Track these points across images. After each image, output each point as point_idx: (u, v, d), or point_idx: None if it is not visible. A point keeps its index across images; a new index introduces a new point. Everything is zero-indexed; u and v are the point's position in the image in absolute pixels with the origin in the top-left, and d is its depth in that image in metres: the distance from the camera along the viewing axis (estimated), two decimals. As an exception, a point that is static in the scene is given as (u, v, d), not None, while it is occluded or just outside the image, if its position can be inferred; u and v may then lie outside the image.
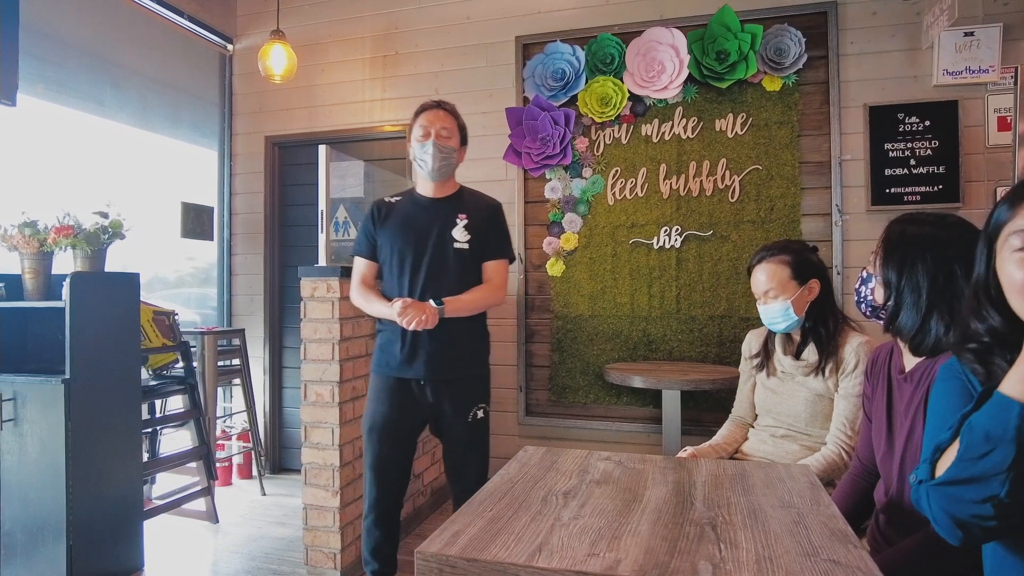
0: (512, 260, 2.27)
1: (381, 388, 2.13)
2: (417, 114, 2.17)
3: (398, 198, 2.24)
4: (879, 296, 1.35)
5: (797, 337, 1.91)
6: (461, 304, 2.06)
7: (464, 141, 2.22)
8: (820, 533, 1.02)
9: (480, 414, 2.15)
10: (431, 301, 2.01)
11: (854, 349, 1.79)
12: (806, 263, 1.86)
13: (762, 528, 1.04)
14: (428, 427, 2.20)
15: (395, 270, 2.12)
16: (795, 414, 1.88)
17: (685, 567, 0.89)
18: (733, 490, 1.24)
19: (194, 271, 4.08)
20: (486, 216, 2.18)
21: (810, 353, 1.86)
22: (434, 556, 0.95)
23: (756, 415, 2.06)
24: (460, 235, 2.11)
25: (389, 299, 2.09)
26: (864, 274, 1.46)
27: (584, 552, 0.94)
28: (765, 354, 2.00)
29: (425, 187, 2.19)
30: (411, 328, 1.96)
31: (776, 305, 1.84)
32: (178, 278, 3.98)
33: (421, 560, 0.95)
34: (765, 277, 1.86)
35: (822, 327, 1.85)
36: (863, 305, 1.46)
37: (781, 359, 1.95)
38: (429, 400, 2.11)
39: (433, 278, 2.08)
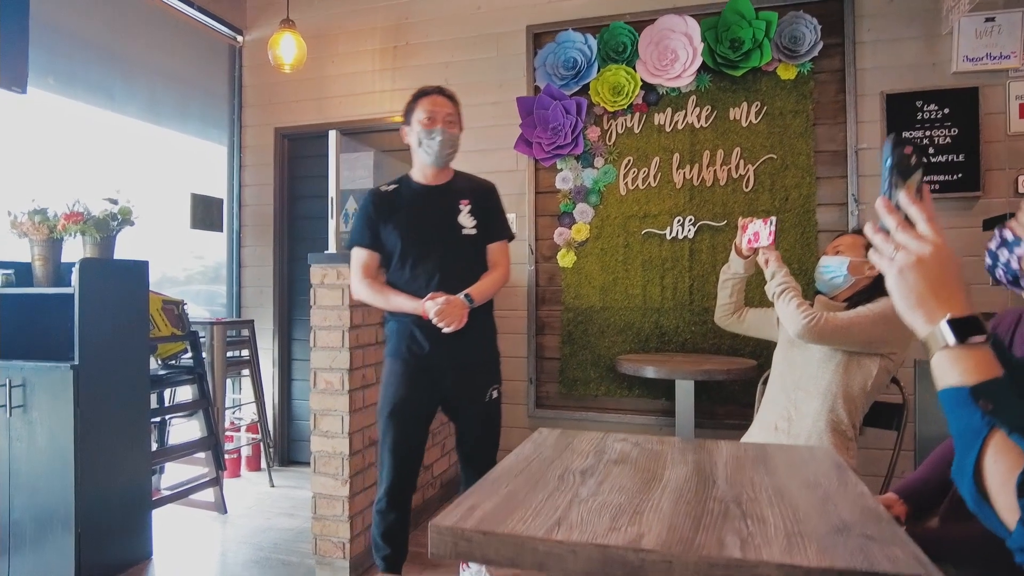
0: (511, 239, 2.30)
1: (400, 373, 2.13)
2: (417, 98, 2.15)
3: (394, 186, 2.21)
4: None
5: (839, 303, 1.97)
6: (483, 292, 2.10)
7: (462, 127, 2.21)
8: (851, 510, 0.98)
9: (495, 394, 2.21)
10: (461, 296, 2.03)
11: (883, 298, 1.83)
12: None
13: (789, 506, 1.00)
14: (441, 409, 2.23)
15: (408, 261, 2.11)
16: (807, 361, 1.92)
17: (711, 541, 0.85)
18: (756, 470, 1.21)
19: (203, 269, 4.06)
20: (485, 199, 2.21)
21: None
22: (448, 529, 0.92)
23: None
24: (467, 221, 2.13)
25: (400, 290, 2.10)
26: (1008, 236, 1.28)
27: (605, 527, 0.91)
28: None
29: (424, 174, 2.18)
30: (447, 331, 1.99)
31: (836, 257, 1.96)
32: (187, 276, 3.96)
33: (435, 534, 0.92)
34: (844, 240, 2.00)
35: (864, 301, 1.89)
36: (1000, 271, 1.30)
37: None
38: (448, 383, 2.14)
39: (448, 267, 2.09)
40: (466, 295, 2.04)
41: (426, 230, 2.11)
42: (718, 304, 2.36)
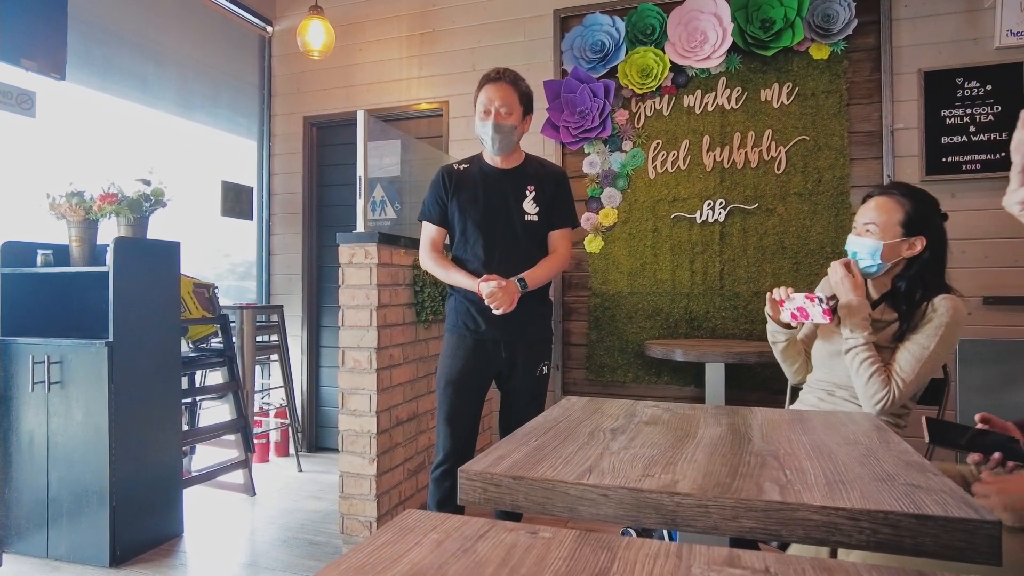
0: (576, 226, 2.32)
1: (457, 345, 2.20)
2: (480, 86, 2.13)
3: (466, 165, 2.24)
4: None
5: (876, 293, 1.78)
6: (538, 277, 2.14)
7: (529, 110, 2.17)
8: (894, 464, 0.94)
9: (544, 370, 2.25)
10: (515, 280, 2.08)
11: (933, 303, 1.63)
12: (925, 219, 1.68)
13: (829, 459, 0.97)
14: (495, 381, 2.28)
15: (469, 240, 2.18)
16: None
17: (749, 487, 0.83)
18: (792, 430, 1.17)
19: (231, 266, 4.10)
20: (553, 186, 2.21)
21: (884, 311, 1.73)
22: (478, 474, 0.90)
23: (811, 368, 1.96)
24: (530, 207, 2.17)
25: (462, 265, 2.17)
26: None
27: (638, 474, 0.89)
28: (838, 299, 1.78)
29: (491, 157, 2.22)
30: (498, 312, 2.05)
31: (867, 241, 1.69)
32: (216, 275, 3.99)
33: (465, 479, 0.91)
34: (876, 210, 1.70)
35: (909, 292, 1.70)
36: None
37: None
38: (502, 357, 2.18)
39: (507, 250, 2.15)
40: (520, 279, 2.09)
41: (489, 212, 2.16)
42: (788, 371, 2.02)
